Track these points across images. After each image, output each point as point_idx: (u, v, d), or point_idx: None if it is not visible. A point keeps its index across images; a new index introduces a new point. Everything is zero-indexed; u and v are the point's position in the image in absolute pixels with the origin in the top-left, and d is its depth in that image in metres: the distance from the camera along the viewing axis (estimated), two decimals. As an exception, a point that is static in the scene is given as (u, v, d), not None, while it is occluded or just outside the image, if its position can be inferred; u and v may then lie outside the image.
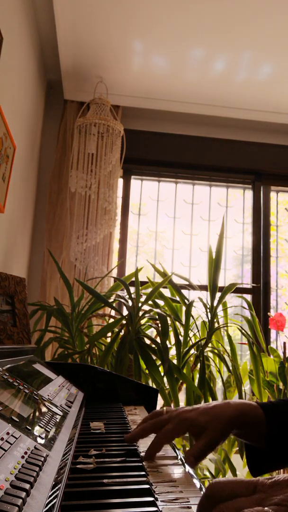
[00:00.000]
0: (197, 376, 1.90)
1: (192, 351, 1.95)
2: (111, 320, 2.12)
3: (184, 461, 0.66)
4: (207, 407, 0.67)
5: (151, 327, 2.00)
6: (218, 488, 0.40)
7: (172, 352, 1.93)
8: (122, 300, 2.00)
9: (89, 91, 2.73)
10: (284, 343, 2.21)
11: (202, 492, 0.51)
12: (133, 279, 2.07)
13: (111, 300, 2.07)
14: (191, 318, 1.93)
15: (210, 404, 0.68)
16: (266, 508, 0.33)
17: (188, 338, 1.93)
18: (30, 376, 0.93)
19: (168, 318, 1.88)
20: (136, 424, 0.90)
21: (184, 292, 2.18)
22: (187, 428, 0.67)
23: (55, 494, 0.46)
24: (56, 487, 0.47)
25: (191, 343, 1.97)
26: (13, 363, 0.91)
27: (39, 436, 0.60)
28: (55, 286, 2.56)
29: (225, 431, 0.65)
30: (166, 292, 2.14)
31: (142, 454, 0.67)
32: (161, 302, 2.07)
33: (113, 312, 2.38)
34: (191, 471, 0.62)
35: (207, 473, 1.96)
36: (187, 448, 1.94)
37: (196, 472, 1.80)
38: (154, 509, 0.45)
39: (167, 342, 1.82)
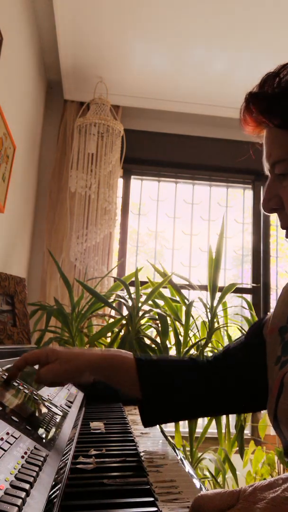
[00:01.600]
0: (197, 376, 1.90)
1: (192, 351, 1.95)
2: (111, 320, 2.12)
3: (183, 461, 0.66)
4: (70, 351, 0.76)
5: (151, 327, 2.01)
6: (204, 501, 0.40)
7: (172, 352, 1.93)
8: (122, 300, 2.00)
9: (89, 91, 2.73)
10: (284, 343, 2.21)
11: (202, 492, 0.51)
12: (133, 279, 2.07)
13: (111, 300, 2.07)
14: (191, 318, 1.93)
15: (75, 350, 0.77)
16: None
17: (188, 338, 1.93)
18: (30, 376, 0.93)
19: (168, 318, 1.88)
20: (136, 424, 0.91)
21: (184, 292, 2.18)
22: (40, 358, 0.74)
23: (55, 494, 0.46)
24: (56, 487, 0.47)
25: (191, 343, 1.97)
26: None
27: (39, 436, 0.60)
28: (55, 286, 2.56)
29: (79, 369, 0.72)
30: (166, 292, 2.14)
31: (142, 454, 0.67)
32: (161, 302, 2.07)
33: (113, 312, 2.38)
34: (191, 471, 0.62)
35: (207, 473, 1.96)
36: (187, 448, 1.94)
37: (196, 472, 1.80)
38: (154, 509, 0.45)
39: (167, 342, 1.82)
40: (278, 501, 0.34)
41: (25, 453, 0.51)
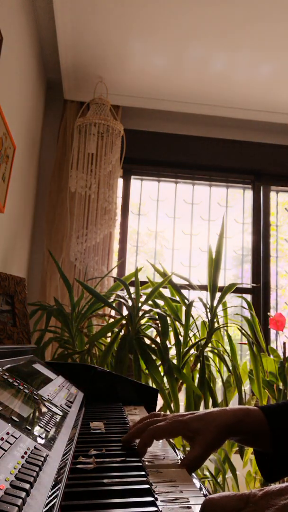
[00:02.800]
0: (197, 376, 1.90)
1: (192, 351, 1.95)
2: (111, 320, 2.12)
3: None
4: (202, 413, 0.67)
5: (151, 327, 2.00)
6: (213, 505, 0.40)
7: (172, 352, 1.93)
8: (122, 300, 2.00)
9: (89, 91, 2.73)
10: (284, 343, 2.21)
11: (202, 492, 0.52)
12: (133, 279, 2.07)
13: (111, 300, 2.07)
14: (191, 318, 1.93)
15: (206, 410, 0.67)
16: None
17: (188, 338, 1.93)
18: (30, 376, 0.93)
19: (168, 318, 1.88)
20: (136, 424, 0.90)
21: (184, 292, 2.18)
22: (180, 431, 0.66)
23: (55, 494, 0.46)
24: (56, 487, 0.47)
25: (191, 343, 1.97)
26: (13, 363, 0.91)
27: (39, 436, 0.60)
28: (55, 286, 2.56)
29: (218, 437, 0.64)
30: (166, 292, 2.14)
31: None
32: (161, 302, 2.07)
33: (113, 312, 2.38)
34: (191, 471, 0.62)
35: (207, 473, 1.96)
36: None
37: (196, 472, 1.80)
38: (154, 509, 0.45)
39: (167, 342, 1.82)
40: None
41: (25, 453, 0.51)
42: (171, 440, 0.79)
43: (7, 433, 0.52)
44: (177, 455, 0.69)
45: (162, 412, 0.74)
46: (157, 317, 1.88)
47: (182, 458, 0.68)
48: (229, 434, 0.65)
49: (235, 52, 2.44)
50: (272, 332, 2.79)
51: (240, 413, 0.66)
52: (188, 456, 0.63)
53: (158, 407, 1.24)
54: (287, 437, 0.65)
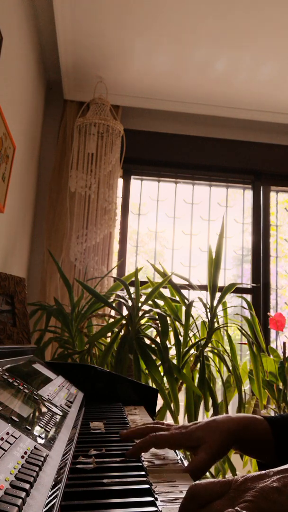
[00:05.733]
0: (197, 376, 1.90)
1: (192, 351, 1.95)
2: (111, 320, 2.12)
3: (183, 461, 0.66)
4: (205, 421, 0.65)
5: (151, 327, 2.00)
6: (198, 490, 0.41)
7: (172, 352, 1.93)
8: (122, 300, 2.00)
9: (89, 91, 2.73)
10: (284, 343, 2.21)
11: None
12: (133, 279, 2.07)
13: (111, 300, 2.07)
14: (191, 318, 1.93)
15: (210, 418, 0.67)
16: (236, 508, 0.35)
17: (188, 338, 1.93)
18: (30, 376, 0.93)
19: (168, 318, 1.88)
20: (136, 424, 0.91)
21: (184, 292, 2.18)
22: (182, 442, 0.65)
23: (55, 494, 0.46)
24: (56, 487, 0.47)
25: (191, 343, 1.97)
26: (13, 363, 0.91)
27: (39, 436, 0.60)
28: (55, 286, 2.56)
29: (224, 444, 0.63)
30: (166, 292, 2.14)
31: (142, 454, 0.67)
32: (161, 302, 2.07)
33: (113, 312, 2.38)
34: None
35: (207, 473, 1.96)
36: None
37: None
38: (154, 509, 0.45)
39: (167, 342, 1.82)
40: (266, 490, 0.36)
41: (25, 453, 0.51)
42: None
43: (7, 433, 0.52)
44: (177, 455, 0.69)
45: (167, 422, 0.74)
46: (157, 317, 1.88)
47: (182, 458, 0.68)
48: (234, 441, 0.64)
49: (237, 52, 2.44)
50: (272, 332, 2.79)
51: (245, 420, 0.65)
52: (193, 461, 0.61)
53: (158, 407, 1.24)
54: None
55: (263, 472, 0.39)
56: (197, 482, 0.43)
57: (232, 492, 0.39)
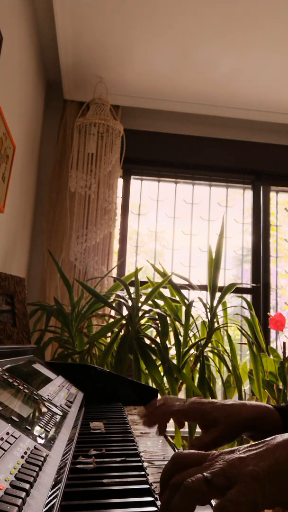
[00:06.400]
0: (197, 376, 1.90)
1: (192, 351, 1.95)
2: (111, 320, 2.12)
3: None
4: (224, 403, 0.67)
5: (151, 327, 2.00)
6: (180, 457, 0.46)
7: (172, 352, 1.93)
8: (122, 300, 2.00)
9: (89, 91, 2.73)
10: (284, 343, 2.21)
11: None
12: (133, 279, 2.07)
13: (111, 300, 2.07)
14: (191, 318, 1.93)
15: (227, 401, 0.68)
16: (205, 473, 0.40)
17: (188, 338, 1.93)
18: (30, 376, 0.93)
19: (168, 318, 1.88)
20: (136, 424, 0.91)
21: (184, 292, 2.18)
22: (199, 416, 0.67)
23: (55, 494, 0.46)
24: (56, 487, 0.47)
25: (191, 343, 1.97)
26: (13, 363, 0.91)
27: (39, 436, 0.60)
28: (55, 286, 2.56)
29: (237, 430, 0.65)
30: (166, 292, 2.14)
31: (142, 454, 0.67)
32: (161, 302, 2.07)
33: (113, 312, 2.38)
34: (191, 471, 0.62)
35: (207, 473, 1.96)
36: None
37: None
38: (154, 509, 0.45)
39: (167, 342, 1.82)
40: (233, 459, 0.42)
41: (25, 453, 0.51)
42: (171, 440, 0.79)
43: (7, 433, 0.52)
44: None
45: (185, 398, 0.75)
46: (157, 317, 1.88)
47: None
48: (246, 428, 0.66)
49: (238, 53, 2.44)
50: (272, 332, 2.79)
51: (260, 410, 0.67)
52: (201, 439, 0.64)
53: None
54: None
55: (235, 447, 0.44)
56: (180, 450, 0.47)
57: (208, 462, 0.43)
